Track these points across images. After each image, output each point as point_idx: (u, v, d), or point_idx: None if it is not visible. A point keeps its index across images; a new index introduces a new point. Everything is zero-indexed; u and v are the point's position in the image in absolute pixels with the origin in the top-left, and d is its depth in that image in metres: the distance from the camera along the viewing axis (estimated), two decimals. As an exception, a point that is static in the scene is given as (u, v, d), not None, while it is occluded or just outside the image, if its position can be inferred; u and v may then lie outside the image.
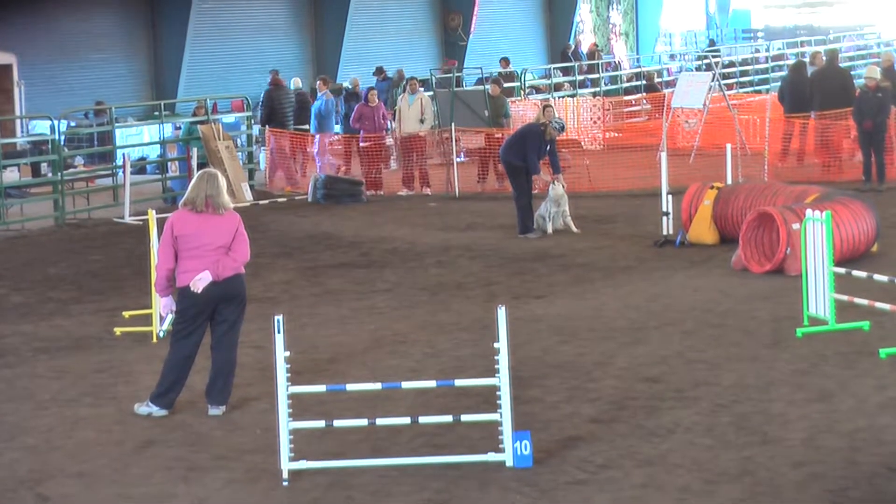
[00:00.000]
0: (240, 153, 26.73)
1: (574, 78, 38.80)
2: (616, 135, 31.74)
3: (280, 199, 25.47)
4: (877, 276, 13.25)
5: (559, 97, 34.36)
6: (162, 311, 11.61)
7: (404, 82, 29.83)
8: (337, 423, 9.90)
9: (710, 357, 12.34)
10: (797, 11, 56.49)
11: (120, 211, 23.77)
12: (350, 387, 10.33)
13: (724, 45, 47.90)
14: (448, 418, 9.97)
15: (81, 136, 28.85)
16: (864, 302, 13.20)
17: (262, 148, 28.54)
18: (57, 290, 17.35)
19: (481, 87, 28.87)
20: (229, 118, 30.07)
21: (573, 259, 18.01)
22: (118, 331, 14.55)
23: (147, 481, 9.54)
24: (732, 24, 54.99)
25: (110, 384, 12.26)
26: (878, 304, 13.09)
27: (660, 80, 39.17)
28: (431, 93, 27.95)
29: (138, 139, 29.24)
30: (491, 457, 9.56)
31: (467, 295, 15.99)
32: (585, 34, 48.69)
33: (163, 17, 36.41)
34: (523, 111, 30.54)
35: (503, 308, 9.51)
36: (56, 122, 24.27)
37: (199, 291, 10.89)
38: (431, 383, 10.57)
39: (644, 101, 35.68)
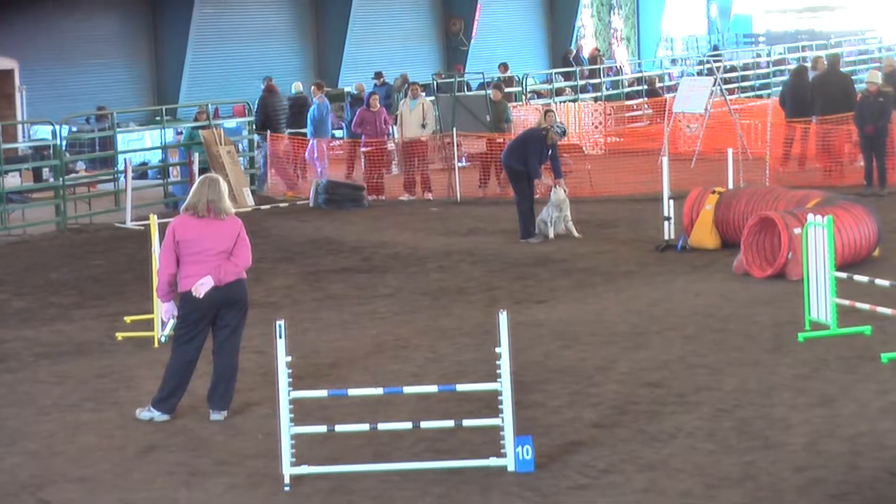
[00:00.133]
0: (241, 158, 26.73)
1: (575, 83, 38.81)
2: (617, 139, 31.74)
3: (282, 204, 25.47)
4: (878, 281, 13.25)
5: (560, 102, 34.36)
6: (163, 316, 11.60)
7: (406, 86, 29.86)
8: (338, 427, 9.90)
9: (711, 362, 12.34)
10: (798, 16, 56.48)
11: (121, 216, 23.77)
12: (352, 392, 10.34)
13: (726, 50, 47.85)
14: (450, 423, 9.97)
15: (83, 141, 28.86)
16: (866, 306, 13.21)
17: (264, 153, 28.54)
18: (58, 295, 17.35)
19: (483, 92, 28.89)
20: (231, 123, 30.08)
21: (575, 264, 18.00)
22: (120, 336, 14.55)
23: (149, 486, 9.54)
24: (734, 29, 54.99)
25: (112, 389, 12.26)
26: (880, 309, 13.09)
27: (661, 84, 39.18)
28: (433, 98, 27.95)
29: (140, 144, 29.23)
30: (493, 462, 9.56)
31: (469, 300, 15.99)
32: (587, 39, 48.70)
33: (164, 22, 36.43)
34: (524, 116, 30.55)
35: (505, 313, 9.51)
36: (58, 127, 24.27)
37: (201, 296, 10.89)
38: (433, 388, 10.57)
39: (645, 106, 35.68)
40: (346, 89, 37.70)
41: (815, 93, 25.44)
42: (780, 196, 17.85)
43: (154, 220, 14.62)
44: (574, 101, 35.37)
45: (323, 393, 10.41)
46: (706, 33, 53.99)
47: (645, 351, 12.87)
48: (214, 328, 11.11)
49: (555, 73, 39.70)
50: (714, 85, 28.24)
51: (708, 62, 37.24)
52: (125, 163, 24.35)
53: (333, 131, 33.55)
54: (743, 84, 41.49)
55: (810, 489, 8.93)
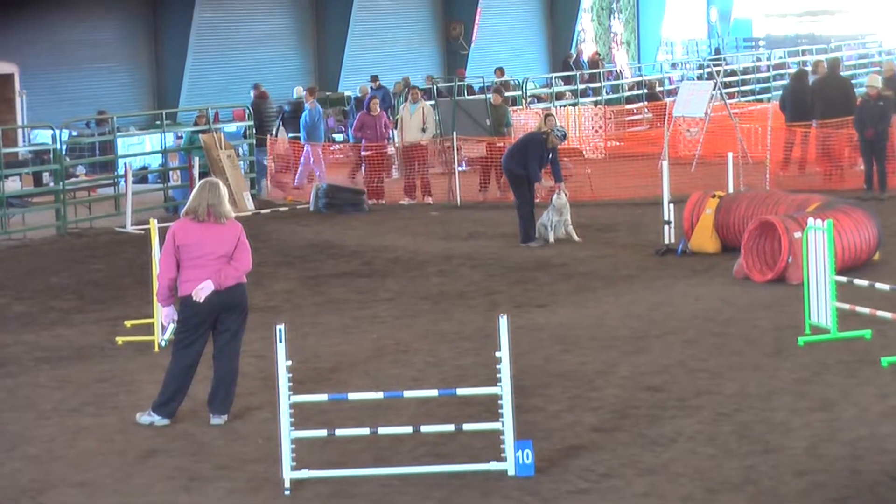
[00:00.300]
0: (241, 162, 26.74)
1: (575, 87, 38.82)
2: (617, 143, 31.73)
3: (282, 209, 25.48)
4: (878, 285, 13.26)
5: (560, 106, 34.36)
6: (164, 320, 11.60)
7: (406, 90, 29.87)
8: (339, 432, 9.90)
9: (711, 366, 12.34)
10: (798, 20, 56.46)
11: (121, 220, 23.78)
12: (352, 396, 10.34)
13: (726, 54, 47.87)
14: (450, 427, 9.97)
15: (83, 145, 28.86)
16: (866, 310, 13.21)
17: (265, 157, 28.55)
18: (59, 299, 17.35)
19: (483, 96, 28.89)
20: (231, 127, 30.10)
21: (575, 268, 18.01)
22: (120, 340, 14.55)
23: (149, 491, 9.54)
24: (734, 33, 55.00)
25: (112, 394, 12.26)
26: (880, 313, 13.09)
27: (661, 88, 39.15)
28: (433, 102, 27.96)
29: (140, 148, 29.25)
30: (493, 466, 9.56)
31: (469, 304, 15.99)
32: (587, 43, 48.71)
33: (165, 27, 36.43)
34: (525, 120, 30.56)
35: (505, 317, 9.51)
36: (58, 132, 24.29)
37: (201, 301, 10.89)
38: (433, 392, 10.57)
39: (645, 110, 35.69)
40: (347, 93, 37.74)
41: (816, 97, 25.44)
42: (781, 200, 17.85)
43: (154, 225, 14.63)
44: (574, 105, 35.36)
45: (323, 397, 10.40)
46: (706, 37, 53.99)
47: (645, 355, 12.87)
48: (215, 332, 11.11)
49: (555, 77, 39.71)
50: (714, 89, 28.24)
51: (708, 66, 37.25)
52: (125, 167, 24.35)
53: (334, 135, 33.64)
54: (743, 88, 41.49)
55: (811, 493, 8.93)
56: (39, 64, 33.13)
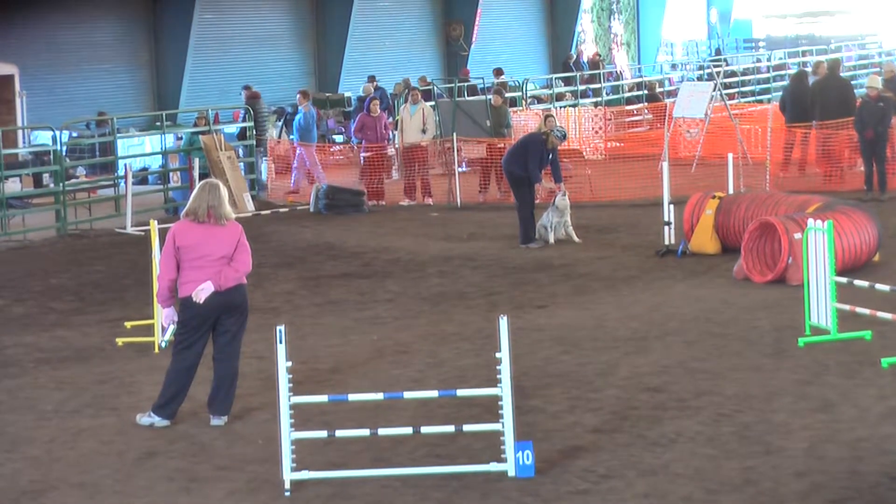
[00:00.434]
0: (241, 163, 26.74)
1: (576, 88, 38.82)
2: (618, 144, 31.74)
3: (282, 210, 25.48)
4: (878, 286, 13.25)
5: (560, 107, 34.37)
6: (164, 321, 11.60)
7: (406, 91, 29.88)
8: (339, 433, 9.90)
9: (712, 367, 12.33)
10: (798, 21, 56.48)
11: (122, 221, 23.78)
12: (352, 397, 10.33)
13: (726, 55, 47.88)
14: (450, 428, 9.97)
15: (83, 146, 28.88)
16: (866, 311, 13.20)
17: (264, 158, 28.56)
18: (59, 300, 17.35)
19: (483, 97, 28.89)
20: (231, 128, 30.09)
21: (575, 269, 18.01)
22: (120, 341, 14.55)
23: (149, 492, 9.54)
24: (734, 34, 55.03)
25: (112, 395, 12.26)
26: (880, 314, 13.09)
27: (661, 89, 39.16)
28: (433, 103, 27.97)
29: (140, 149, 29.27)
30: (493, 467, 9.56)
31: (469, 305, 15.99)
32: (587, 44, 48.73)
33: (164, 28, 36.45)
34: (525, 121, 30.56)
35: (505, 318, 9.51)
36: (58, 133, 24.29)
37: (202, 302, 10.89)
38: (433, 393, 10.57)
39: (646, 111, 35.69)
40: (347, 94, 37.76)
41: (815, 98, 25.44)
42: (781, 201, 17.85)
43: (154, 226, 14.63)
44: (574, 106, 35.37)
45: (323, 398, 10.40)
46: (706, 38, 54.01)
47: (645, 356, 12.87)
48: (215, 333, 11.11)
49: (555, 78, 39.71)
50: (714, 90, 28.24)
51: (708, 67, 37.24)
52: (125, 168, 24.36)
53: (334, 136, 33.66)
54: (743, 89, 41.50)
55: (811, 494, 8.93)
56: (39, 65, 33.14)
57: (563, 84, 39.40)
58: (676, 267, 17.73)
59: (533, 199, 20.09)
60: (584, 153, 29.80)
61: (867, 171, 23.13)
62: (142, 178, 27.75)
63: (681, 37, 53.90)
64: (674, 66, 49.31)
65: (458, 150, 25.75)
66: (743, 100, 39.10)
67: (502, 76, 37.54)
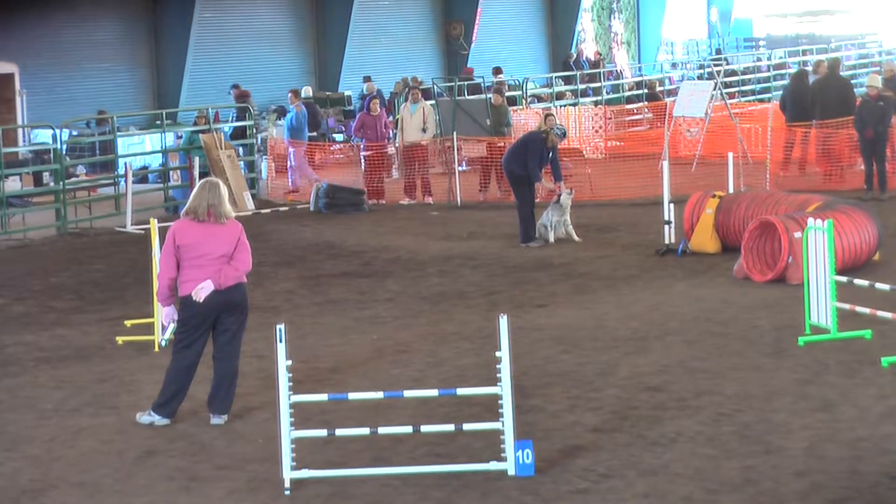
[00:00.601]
0: (241, 162, 26.74)
1: (576, 87, 38.82)
2: (618, 144, 31.73)
3: (282, 208, 25.48)
4: (878, 285, 13.25)
5: (561, 106, 34.37)
6: (164, 320, 11.61)
7: (406, 90, 29.87)
8: (339, 432, 9.90)
9: (712, 366, 12.33)
10: (799, 20, 56.45)
11: (122, 220, 23.78)
12: (352, 396, 10.33)
13: (726, 54, 47.87)
14: (450, 427, 9.96)
15: (83, 145, 28.88)
16: (866, 311, 13.20)
17: (264, 157, 28.58)
18: (59, 299, 17.35)
19: (483, 96, 28.89)
20: (224, 128, 30.06)
21: (575, 268, 18.00)
22: (120, 340, 14.55)
23: (149, 491, 9.54)
24: (734, 33, 55.00)
25: (112, 394, 12.26)
26: (880, 313, 13.09)
27: (661, 88, 39.16)
28: (433, 102, 27.97)
29: (140, 148, 29.26)
30: (493, 466, 9.56)
31: (469, 304, 15.99)
32: (587, 43, 48.72)
33: (165, 27, 36.44)
34: (525, 120, 30.56)
35: (505, 317, 9.51)
36: (58, 131, 24.29)
37: (201, 301, 10.89)
38: (433, 392, 10.57)
39: (646, 110, 35.68)
40: (347, 93, 37.75)
41: (816, 97, 25.44)
42: (781, 200, 17.85)
43: (154, 225, 14.63)
44: (574, 104, 35.36)
45: (323, 397, 10.40)
46: (706, 37, 53.99)
47: (645, 355, 12.87)
48: (215, 332, 11.11)
49: (555, 77, 39.72)
50: (714, 89, 28.24)
51: (708, 66, 37.22)
52: (125, 167, 24.36)
53: (334, 135, 33.65)
54: (743, 88, 41.49)
55: (811, 494, 8.92)
56: (40, 64, 33.13)
57: (563, 83, 39.39)
58: (676, 266, 17.72)
59: (533, 198, 20.10)
60: (585, 152, 29.80)
61: (867, 170, 23.13)
62: (142, 176, 27.76)
63: (681, 36, 53.88)
64: (674, 65, 49.31)
65: (458, 149, 25.75)
66: (743, 99, 39.09)
67: (501, 75, 37.55)
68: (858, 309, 13.27)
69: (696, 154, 27.56)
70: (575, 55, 44.78)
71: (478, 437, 10.20)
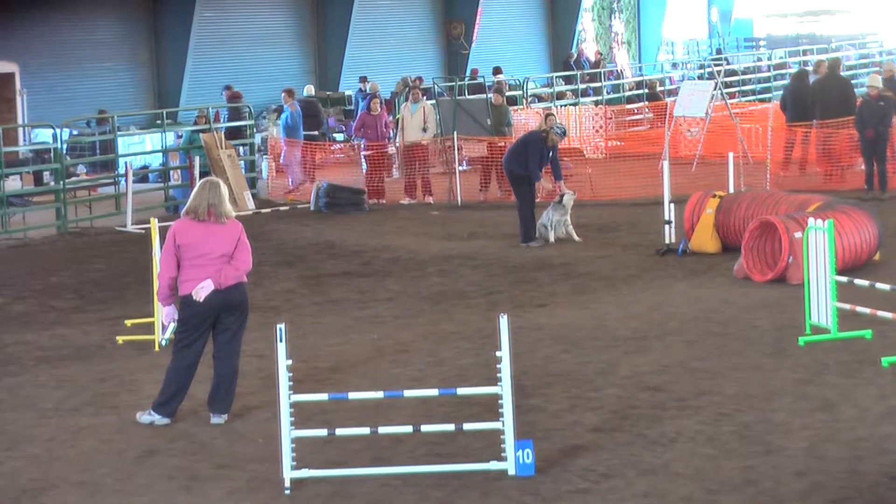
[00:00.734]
0: (241, 162, 26.74)
1: (576, 87, 38.82)
2: (618, 143, 31.73)
3: (282, 208, 25.48)
4: (879, 285, 13.26)
5: (561, 106, 34.36)
6: (164, 319, 11.61)
7: (406, 90, 29.86)
8: (339, 431, 9.90)
9: (712, 366, 12.33)
10: (799, 20, 56.44)
11: (122, 220, 23.78)
12: (352, 395, 10.33)
13: (727, 54, 47.87)
14: (450, 427, 9.96)
15: (84, 144, 28.87)
16: (867, 311, 13.20)
17: (265, 157, 28.57)
18: (59, 298, 17.35)
19: (483, 96, 28.89)
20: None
21: (575, 268, 18.00)
22: (120, 339, 14.55)
23: (149, 491, 9.54)
24: (734, 33, 54.99)
25: (112, 393, 12.26)
26: (881, 313, 13.09)
27: (662, 88, 39.16)
28: (433, 101, 27.97)
29: (140, 148, 29.25)
30: (493, 465, 9.56)
31: (469, 304, 15.99)
32: (587, 43, 48.72)
33: (165, 26, 36.43)
34: (525, 120, 30.56)
35: (505, 317, 9.51)
36: (58, 131, 24.28)
37: (202, 300, 10.89)
38: (433, 392, 10.57)
39: (646, 110, 35.68)
40: (347, 93, 37.74)
41: (816, 97, 25.45)
42: (781, 200, 17.85)
43: (155, 224, 14.63)
44: (575, 104, 35.36)
45: (323, 396, 10.40)
46: (707, 37, 53.99)
47: (645, 355, 12.87)
48: (215, 332, 11.11)
49: (555, 77, 39.71)
50: (715, 89, 28.24)
51: (709, 66, 37.23)
52: (126, 166, 24.36)
53: (335, 135, 33.65)
54: (744, 88, 41.49)
55: (811, 494, 8.92)
56: (40, 63, 33.12)
57: (563, 83, 39.39)
58: (677, 266, 17.72)
59: (533, 197, 20.10)
60: (585, 152, 29.79)
61: (868, 170, 23.13)
62: (142, 176, 27.75)
63: (681, 36, 53.87)
64: (674, 65, 49.30)
65: (458, 149, 25.75)
66: (743, 99, 39.09)
67: (501, 75, 37.56)
68: (859, 309, 13.27)
69: (696, 154, 27.55)
70: (575, 55, 44.78)
71: (478, 436, 10.20)
